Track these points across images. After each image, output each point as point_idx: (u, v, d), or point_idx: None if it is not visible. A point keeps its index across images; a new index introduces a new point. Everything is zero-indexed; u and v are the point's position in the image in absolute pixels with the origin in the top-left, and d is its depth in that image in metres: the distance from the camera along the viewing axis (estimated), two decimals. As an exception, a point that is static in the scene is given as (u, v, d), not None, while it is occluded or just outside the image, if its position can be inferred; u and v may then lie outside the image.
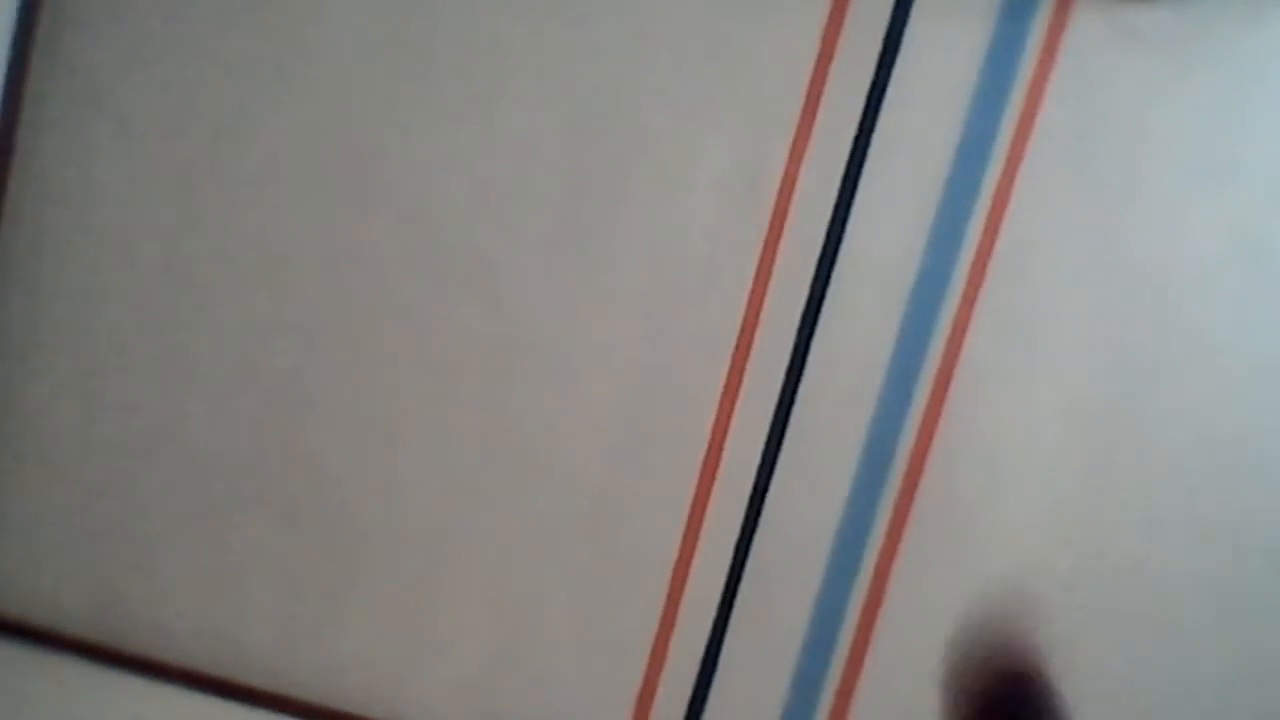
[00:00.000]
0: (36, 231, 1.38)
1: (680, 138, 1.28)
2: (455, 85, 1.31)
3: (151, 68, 1.35)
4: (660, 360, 1.31)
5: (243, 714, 1.39)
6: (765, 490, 1.30)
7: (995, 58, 1.23)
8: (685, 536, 1.33)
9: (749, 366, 1.30)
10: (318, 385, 1.37)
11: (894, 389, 1.28)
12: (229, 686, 1.41)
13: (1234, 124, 1.20)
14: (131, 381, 1.39)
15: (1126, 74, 1.21)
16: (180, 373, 1.39)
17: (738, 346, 1.30)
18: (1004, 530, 1.27)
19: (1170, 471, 1.24)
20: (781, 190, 1.28)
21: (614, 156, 1.30)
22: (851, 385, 1.29)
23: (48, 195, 1.38)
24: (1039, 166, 1.23)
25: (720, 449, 1.31)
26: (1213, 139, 1.21)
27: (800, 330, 1.28)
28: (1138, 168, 1.22)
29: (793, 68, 1.26)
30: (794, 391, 1.29)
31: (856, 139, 1.25)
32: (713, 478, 1.32)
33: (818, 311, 1.28)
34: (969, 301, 1.26)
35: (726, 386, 1.31)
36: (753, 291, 1.29)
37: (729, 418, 1.31)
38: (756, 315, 1.29)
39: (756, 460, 1.30)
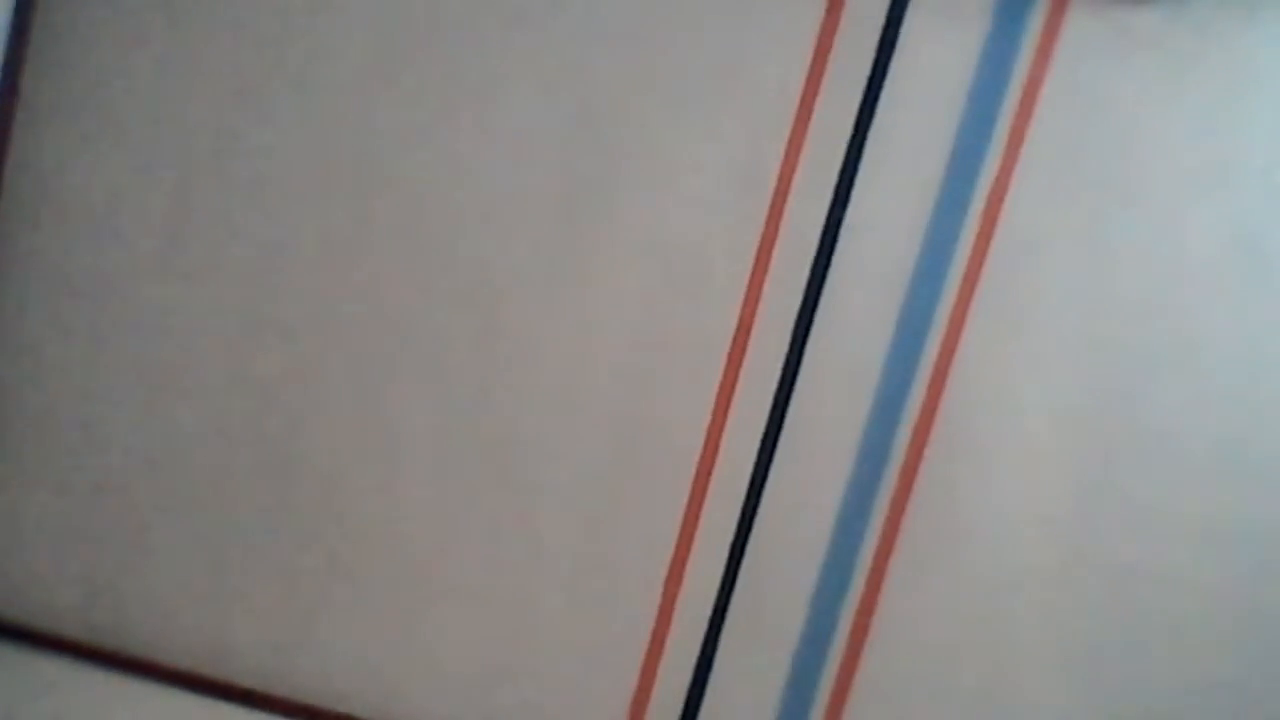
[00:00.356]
0: (31, 234, 1.38)
1: (676, 139, 1.28)
2: (451, 89, 1.31)
3: (146, 71, 1.35)
4: (656, 361, 1.31)
5: (237, 715, 1.39)
6: (760, 492, 1.30)
7: (991, 57, 1.23)
8: (680, 538, 1.33)
9: (744, 368, 1.30)
10: (313, 389, 1.36)
11: (889, 390, 1.28)
12: (223, 688, 1.40)
13: (1229, 124, 1.20)
14: (126, 386, 1.39)
15: (1121, 74, 1.21)
16: (175, 378, 1.38)
17: (733, 348, 1.30)
18: (998, 530, 1.27)
19: (1164, 472, 1.24)
20: (777, 191, 1.28)
21: (609, 158, 1.29)
22: (846, 386, 1.28)
23: (43, 198, 1.37)
24: (1034, 167, 1.23)
25: (715, 451, 1.31)
26: (1208, 139, 1.21)
27: (795, 331, 1.28)
28: (1133, 168, 1.22)
29: (788, 69, 1.26)
30: (789, 392, 1.29)
31: (852, 139, 1.25)
32: (708, 479, 1.32)
33: (813, 312, 1.28)
34: (964, 302, 1.26)
35: (721, 388, 1.30)
36: (748, 293, 1.29)
37: (724, 419, 1.31)
38: (751, 317, 1.29)
39: (751, 462, 1.30)
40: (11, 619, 1.43)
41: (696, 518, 1.32)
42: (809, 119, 1.27)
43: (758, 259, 1.29)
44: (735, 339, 1.30)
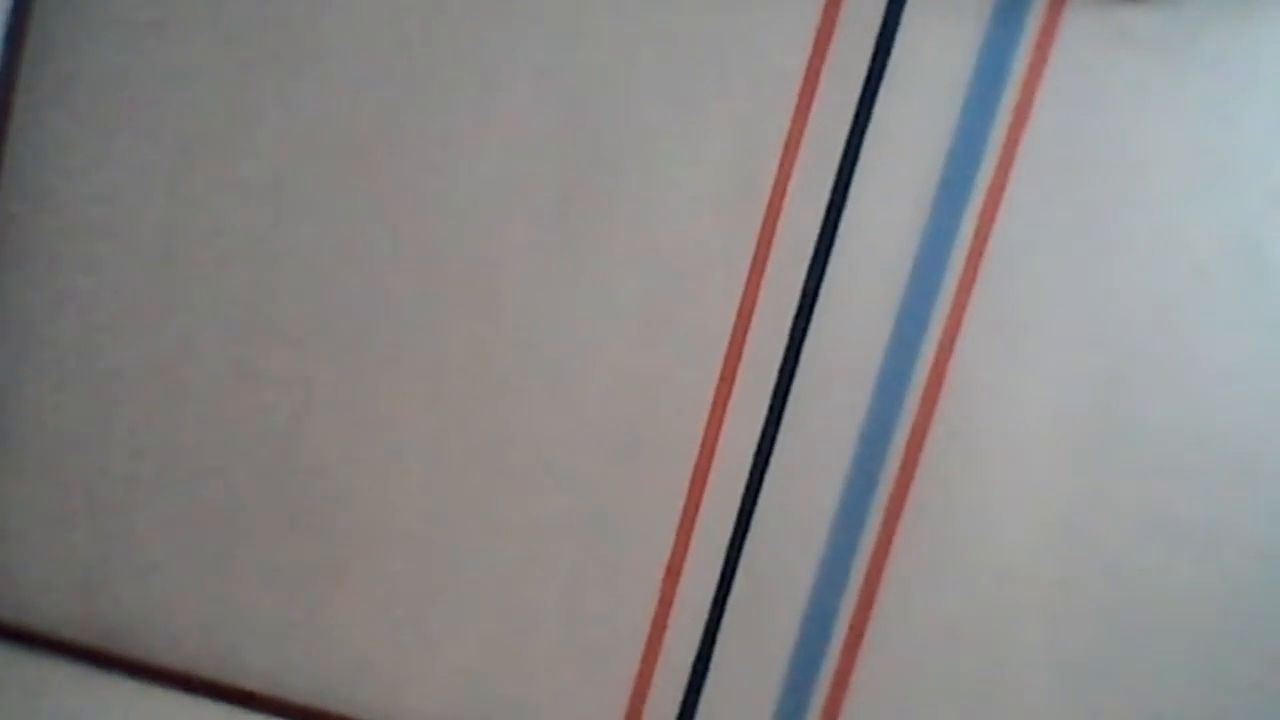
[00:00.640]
0: (28, 237, 1.38)
1: (673, 138, 1.28)
2: (448, 88, 1.31)
3: (143, 70, 1.34)
4: (653, 362, 1.31)
5: (236, 717, 1.39)
6: (757, 491, 1.30)
7: (988, 58, 1.23)
8: (678, 539, 1.33)
9: (741, 368, 1.30)
10: (311, 389, 1.36)
11: (886, 391, 1.28)
12: (222, 689, 1.41)
13: (1226, 125, 1.20)
14: (125, 388, 1.39)
15: (1119, 75, 1.21)
16: (174, 379, 1.38)
17: (730, 349, 1.30)
18: (996, 530, 1.27)
19: (1162, 474, 1.24)
20: (774, 191, 1.27)
21: (607, 157, 1.29)
22: (844, 387, 1.28)
23: (40, 197, 1.37)
24: (1032, 168, 1.23)
25: (712, 451, 1.31)
26: (1205, 140, 1.20)
27: (793, 332, 1.28)
28: (1130, 168, 1.22)
29: (786, 68, 1.26)
30: (786, 393, 1.29)
31: (849, 140, 1.25)
32: (705, 480, 1.32)
33: (810, 312, 1.28)
34: (961, 303, 1.26)
35: (719, 389, 1.30)
36: (745, 293, 1.29)
37: (721, 420, 1.31)
38: (749, 317, 1.29)
39: (749, 463, 1.30)
40: (8, 620, 1.43)
41: (694, 517, 1.33)
42: (806, 118, 1.26)
43: (755, 257, 1.29)
44: (732, 337, 1.30)
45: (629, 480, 1.33)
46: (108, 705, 1.37)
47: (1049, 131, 1.23)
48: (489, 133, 1.30)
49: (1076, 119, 1.22)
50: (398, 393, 1.35)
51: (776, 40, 1.26)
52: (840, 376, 1.28)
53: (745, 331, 1.29)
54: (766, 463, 1.29)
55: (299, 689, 1.41)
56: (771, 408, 1.29)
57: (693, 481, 1.32)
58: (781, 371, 1.29)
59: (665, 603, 1.34)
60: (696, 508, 1.32)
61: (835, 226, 1.26)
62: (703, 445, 1.31)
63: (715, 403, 1.31)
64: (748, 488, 1.30)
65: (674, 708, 1.35)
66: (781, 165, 1.27)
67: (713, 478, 1.32)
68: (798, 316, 1.28)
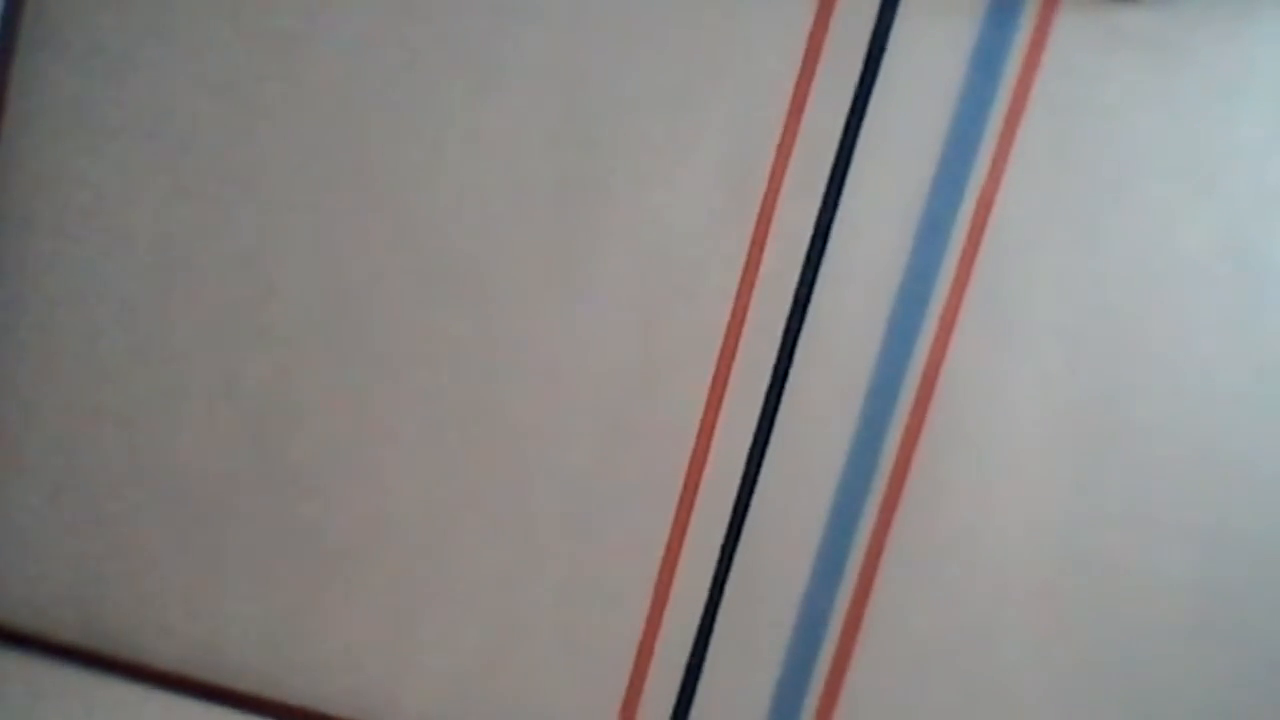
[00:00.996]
0: (24, 237, 1.38)
1: (666, 138, 1.28)
2: (441, 89, 1.31)
3: (137, 73, 1.34)
4: (648, 362, 1.31)
5: (228, 718, 1.39)
6: (751, 492, 1.30)
7: (981, 59, 1.23)
8: (672, 538, 1.33)
9: (735, 368, 1.30)
10: (304, 391, 1.36)
11: (880, 390, 1.28)
12: (216, 691, 1.41)
13: (1220, 126, 1.20)
14: (122, 390, 1.39)
15: (1112, 76, 1.21)
16: (167, 382, 1.38)
17: (724, 348, 1.30)
18: (990, 532, 1.28)
19: (1156, 474, 1.24)
20: (767, 191, 1.28)
21: (600, 157, 1.29)
22: (837, 386, 1.29)
23: (35, 200, 1.37)
24: (1025, 168, 1.23)
25: (706, 451, 1.31)
26: (1198, 141, 1.21)
27: (786, 331, 1.28)
28: (1123, 170, 1.22)
29: (778, 69, 1.26)
30: (780, 392, 1.29)
31: (842, 139, 1.25)
32: (699, 480, 1.32)
33: (803, 313, 1.28)
34: (955, 302, 1.26)
35: (713, 388, 1.30)
36: (739, 293, 1.29)
37: (715, 420, 1.31)
38: (743, 316, 1.29)
39: (742, 462, 1.30)
40: (4, 623, 1.43)
41: (687, 518, 1.33)
42: (800, 118, 1.26)
43: (749, 258, 1.29)
44: (726, 337, 1.30)
45: (623, 480, 1.33)
46: (104, 708, 1.37)
47: (1042, 132, 1.23)
48: (484, 132, 1.30)
49: (1070, 120, 1.22)
50: (392, 394, 1.35)
51: (770, 40, 1.26)
52: (834, 376, 1.28)
53: (739, 331, 1.29)
54: (761, 461, 1.30)
55: (294, 691, 1.41)
56: (765, 407, 1.29)
57: (687, 481, 1.32)
58: (775, 371, 1.29)
59: (660, 602, 1.34)
60: (691, 507, 1.32)
61: (829, 225, 1.26)
62: (697, 445, 1.31)
63: (709, 402, 1.31)
64: (742, 486, 1.30)
65: (668, 707, 1.35)
66: (775, 164, 1.27)
67: (707, 477, 1.32)
68: (792, 315, 1.28)
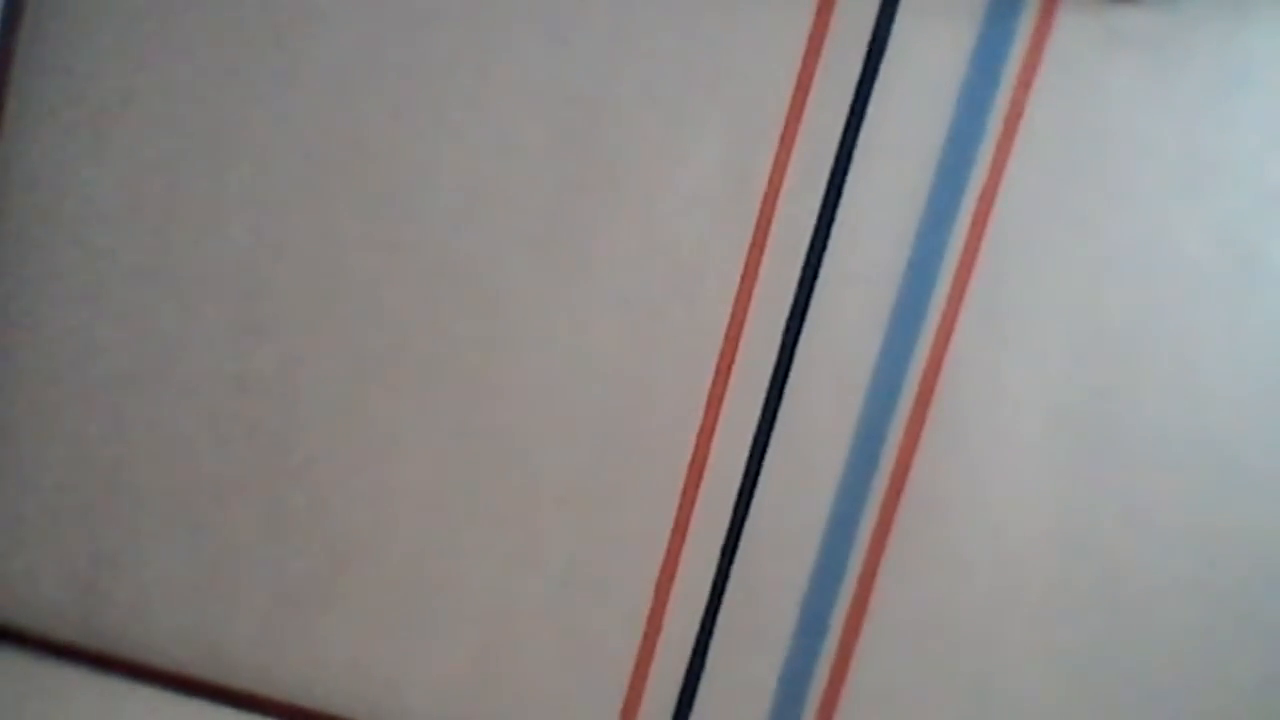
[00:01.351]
0: (23, 234, 1.38)
1: (666, 141, 1.28)
2: (442, 91, 1.31)
3: (137, 71, 1.34)
4: (646, 365, 1.31)
5: (231, 718, 1.39)
6: (752, 492, 1.30)
7: (981, 60, 1.23)
8: (672, 539, 1.33)
9: (735, 369, 1.30)
10: (304, 390, 1.36)
11: (879, 391, 1.28)
12: (215, 690, 1.41)
13: (1220, 126, 1.20)
14: (121, 390, 1.39)
15: (1112, 76, 1.21)
16: (167, 381, 1.38)
17: (723, 350, 1.30)
18: (991, 531, 1.28)
19: (1155, 474, 1.24)
20: (767, 192, 1.28)
21: (600, 160, 1.29)
22: (837, 388, 1.29)
23: (34, 199, 1.37)
24: (1025, 169, 1.23)
25: (706, 453, 1.31)
26: (1199, 141, 1.21)
27: (786, 333, 1.28)
28: (1124, 170, 1.22)
29: (778, 69, 1.26)
30: (780, 394, 1.29)
31: (842, 141, 1.25)
32: (698, 482, 1.32)
33: (804, 313, 1.28)
34: (955, 303, 1.26)
35: (712, 390, 1.31)
36: (739, 294, 1.29)
37: (715, 420, 1.31)
38: (742, 318, 1.29)
39: (742, 464, 1.30)
40: (4, 621, 1.43)
41: (688, 518, 1.33)
42: (799, 119, 1.26)
43: (748, 259, 1.29)
44: (726, 338, 1.30)
45: (623, 481, 1.33)
46: (103, 707, 1.37)
47: (1042, 132, 1.23)
48: (483, 135, 1.30)
49: (1070, 120, 1.22)
50: (392, 395, 1.35)
51: (770, 40, 1.26)
52: (834, 376, 1.28)
53: (739, 332, 1.29)
54: (761, 461, 1.30)
55: (294, 690, 1.41)
56: (765, 408, 1.29)
57: (687, 481, 1.32)
58: (775, 372, 1.29)
59: (660, 603, 1.34)
60: (691, 507, 1.32)
61: (829, 226, 1.26)
62: (697, 445, 1.31)
63: (709, 403, 1.31)
64: (742, 487, 1.30)
65: (669, 708, 1.35)
66: (775, 165, 1.27)
67: (707, 478, 1.32)
68: (791, 316, 1.28)
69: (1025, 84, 1.22)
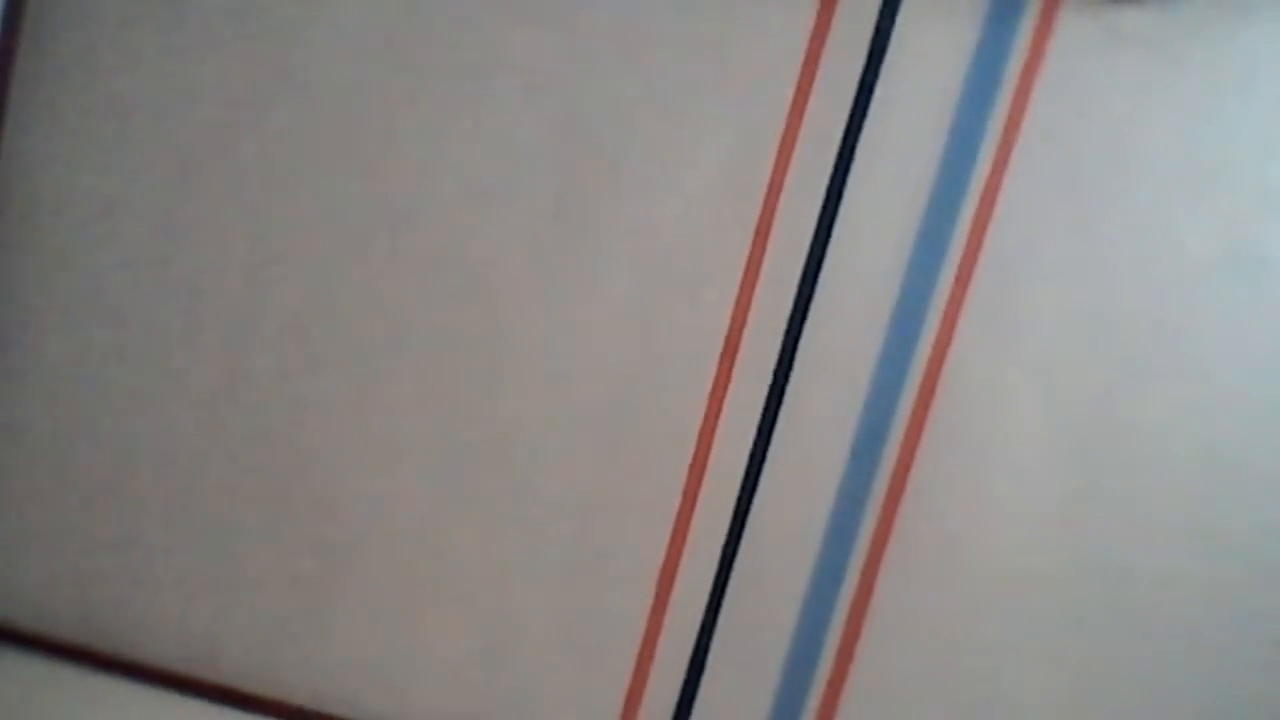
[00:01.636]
0: (26, 236, 1.38)
1: (668, 141, 1.28)
2: (445, 89, 1.30)
3: (140, 72, 1.34)
4: (648, 364, 1.31)
5: (232, 717, 1.39)
6: (753, 491, 1.30)
7: (982, 61, 1.23)
8: (673, 539, 1.33)
9: (737, 368, 1.30)
10: (307, 390, 1.36)
11: (881, 391, 1.28)
12: (216, 690, 1.41)
13: (1222, 127, 1.20)
14: (117, 391, 1.39)
15: (1114, 77, 1.21)
16: (171, 380, 1.38)
17: (726, 349, 1.30)
18: (991, 531, 1.28)
19: (1156, 476, 1.24)
20: (769, 192, 1.28)
21: (602, 160, 1.29)
22: (839, 387, 1.29)
23: (37, 199, 1.37)
24: (1026, 170, 1.23)
25: (708, 452, 1.31)
26: (1201, 142, 1.21)
27: (788, 331, 1.28)
28: (1125, 171, 1.22)
29: (780, 70, 1.26)
30: (782, 392, 1.29)
31: (843, 142, 1.25)
32: (700, 481, 1.32)
33: (805, 313, 1.28)
34: (955, 305, 1.26)
35: (715, 389, 1.30)
36: (741, 294, 1.29)
37: (717, 420, 1.31)
38: (744, 318, 1.29)
39: (744, 463, 1.30)
40: (5, 622, 1.43)
41: (689, 516, 1.33)
42: (801, 118, 1.26)
43: (750, 259, 1.29)
44: (728, 338, 1.30)
45: (625, 480, 1.33)
46: (104, 707, 1.36)
47: (1044, 132, 1.23)
48: (485, 135, 1.30)
49: (1071, 120, 1.22)
50: (394, 395, 1.35)
51: (771, 41, 1.26)
52: (836, 376, 1.28)
53: (741, 332, 1.29)
54: (762, 461, 1.30)
55: (295, 690, 1.41)
56: (767, 407, 1.29)
57: (688, 481, 1.32)
58: (777, 371, 1.29)
59: (661, 602, 1.34)
60: (692, 507, 1.32)
61: (830, 227, 1.26)
62: (698, 445, 1.31)
63: (711, 403, 1.31)
64: (743, 486, 1.30)
65: (670, 708, 1.35)
66: (777, 166, 1.27)
67: (708, 477, 1.32)
68: (793, 317, 1.28)
69: (1026, 84, 1.22)
